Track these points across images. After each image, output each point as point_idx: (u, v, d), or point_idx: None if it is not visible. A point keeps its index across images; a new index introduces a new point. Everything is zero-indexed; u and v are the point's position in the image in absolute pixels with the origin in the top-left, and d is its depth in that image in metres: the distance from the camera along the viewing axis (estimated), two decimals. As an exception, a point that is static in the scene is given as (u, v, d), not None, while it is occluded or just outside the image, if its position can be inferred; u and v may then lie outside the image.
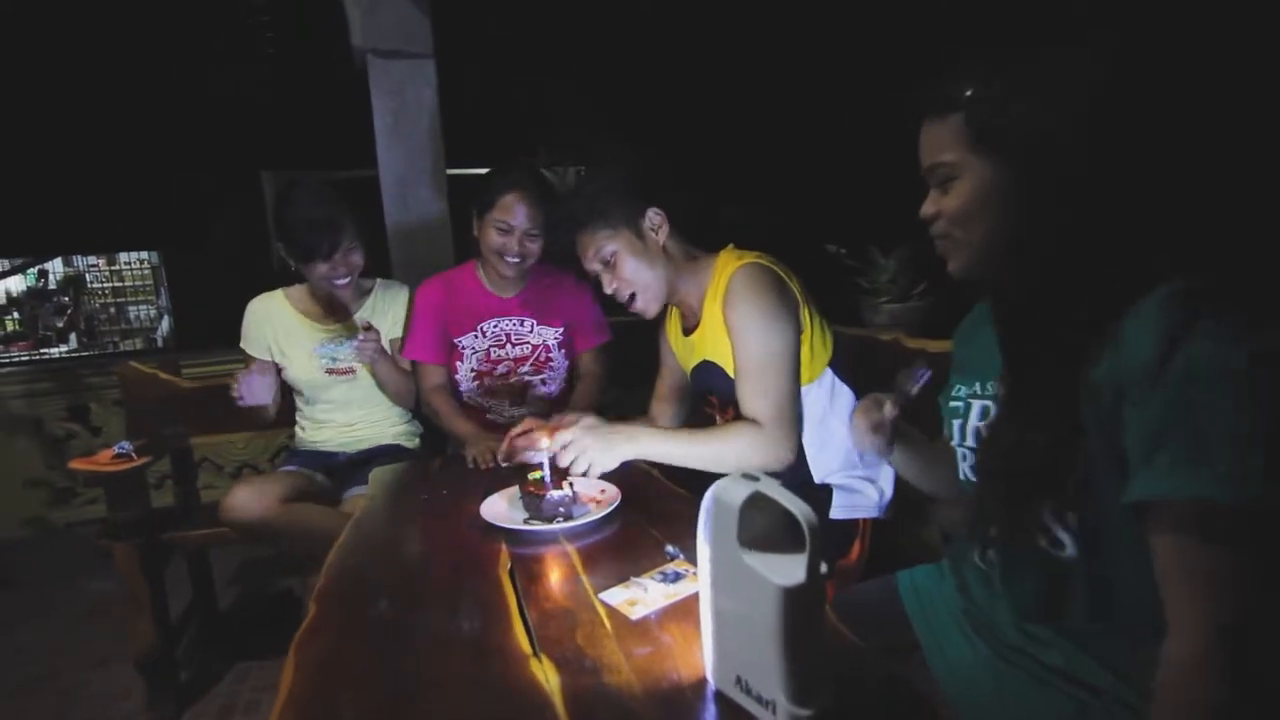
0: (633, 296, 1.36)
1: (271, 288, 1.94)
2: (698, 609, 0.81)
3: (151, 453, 1.81)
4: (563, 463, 1.18)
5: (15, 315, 7.49)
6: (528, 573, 0.97)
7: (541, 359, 1.91)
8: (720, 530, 0.62)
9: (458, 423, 1.77)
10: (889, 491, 1.41)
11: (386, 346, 1.86)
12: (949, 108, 0.78)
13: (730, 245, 1.38)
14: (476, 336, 1.88)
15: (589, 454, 1.20)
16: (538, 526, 1.09)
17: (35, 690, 1.95)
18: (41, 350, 7.18)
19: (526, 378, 1.91)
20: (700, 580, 0.67)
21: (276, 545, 1.61)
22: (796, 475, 1.29)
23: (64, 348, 7.39)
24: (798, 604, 0.57)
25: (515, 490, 1.24)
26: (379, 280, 1.97)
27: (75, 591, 2.55)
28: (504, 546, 1.06)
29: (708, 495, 0.64)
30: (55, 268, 7.51)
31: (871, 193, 2.20)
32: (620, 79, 4.04)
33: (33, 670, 2.05)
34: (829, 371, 1.37)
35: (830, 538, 1.33)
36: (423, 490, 1.35)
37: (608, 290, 1.38)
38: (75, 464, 1.68)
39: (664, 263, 1.35)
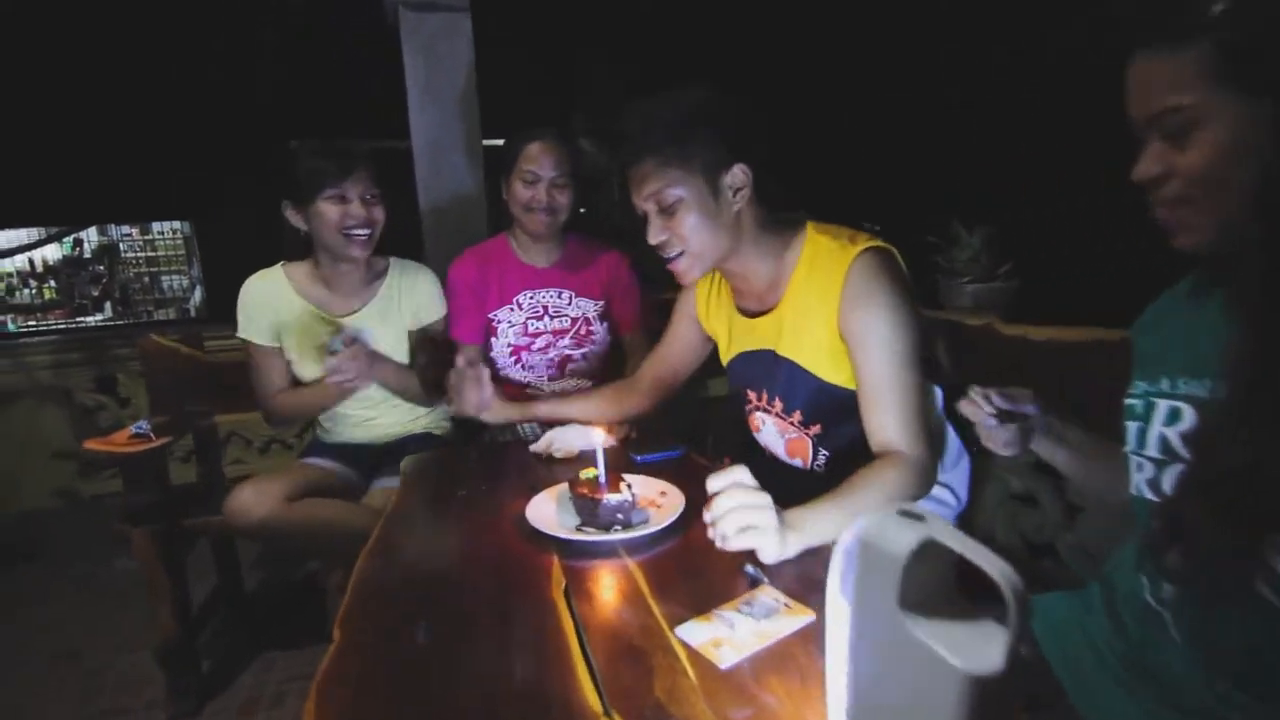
0: (678, 258, 1.13)
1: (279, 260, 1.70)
2: (801, 656, 0.67)
3: (172, 432, 1.71)
4: (723, 541, 0.85)
5: (52, 283, 7.56)
6: (585, 594, 0.83)
7: (582, 332, 1.79)
8: (872, 586, 0.46)
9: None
10: (964, 496, 1.24)
11: (395, 346, 1.65)
12: (1186, 34, 0.60)
13: (807, 219, 1.17)
14: (513, 309, 1.76)
15: (763, 541, 0.84)
16: (593, 537, 0.95)
17: (60, 670, 1.89)
18: (77, 319, 7.26)
19: (567, 351, 1.78)
20: (832, 643, 0.51)
21: (289, 546, 1.48)
22: None
23: (99, 316, 7.46)
24: (990, 698, 0.41)
25: (564, 488, 1.10)
26: (393, 259, 1.72)
27: (103, 568, 2.49)
28: (555, 558, 0.92)
29: (847, 536, 0.49)
30: (90, 237, 7.56)
31: (954, 162, 2.00)
32: (662, 48, 3.84)
33: (58, 649, 1.99)
34: None
35: None
36: (460, 484, 1.22)
37: (652, 239, 1.12)
38: (90, 444, 1.58)
39: (729, 231, 1.12)
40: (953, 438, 1.19)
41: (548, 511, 1.04)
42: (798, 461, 1.24)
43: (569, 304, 1.78)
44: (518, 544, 0.97)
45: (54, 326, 6.77)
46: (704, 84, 1.11)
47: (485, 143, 2.36)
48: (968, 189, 1.85)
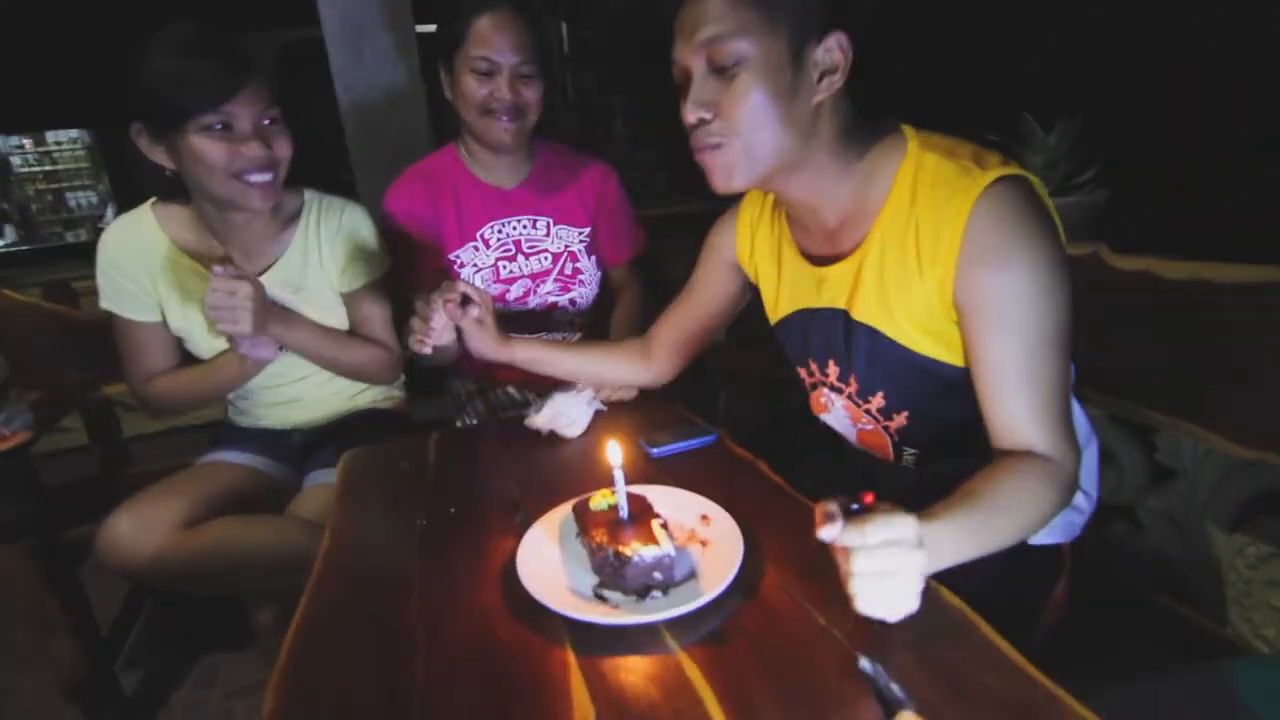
0: (717, 147, 0.78)
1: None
2: None
3: (42, 421, 1.32)
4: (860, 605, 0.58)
5: (-60, 205, 6.66)
6: (622, 713, 0.54)
7: (568, 271, 1.43)
8: None
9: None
10: (1096, 494, 0.97)
11: (321, 319, 1.24)
12: None
13: (902, 125, 0.82)
14: (476, 248, 1.37)
15: (909, 606, 0.58)
16: (624, 619, 0.65)
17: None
18: (-27, 244, 6.45)
19: (551, 298, 1.43)
20: None
21: (194, 587, 1.12)
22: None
23: (2, 241, 6.65)
24: None
25: (565, 516, 0.80)
26: (309, 195, 1.26)
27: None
28: (569, 651, 0.63)
29: None
30: (-26, 153, 6.60)
31: (1020, 37, 1.61)
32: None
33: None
34: None
35: (1028, 572, 0.90)
36: (417, 503, 0.90)
37: (690, 111, 0.77)
38: (-78, 446, 1.20)
39: (800, 130, 0.76)
40: (1080, 416, 0.91)
41: (548, 564, 0.73)
42: (876, 455, 0.95)
43: (547, 236, 1.40)
44: (509, 620, 0.67)
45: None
46: None
47: (420, 29, 1.88)
48: (1038, 72, 1.48)
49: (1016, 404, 0.73)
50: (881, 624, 0.59)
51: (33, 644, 1.68)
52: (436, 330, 0.98)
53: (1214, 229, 0.99)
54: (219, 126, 1.04)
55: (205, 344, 1.21)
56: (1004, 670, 0.56)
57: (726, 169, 0.79)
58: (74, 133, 6.55)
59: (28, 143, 6.69)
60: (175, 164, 1.08)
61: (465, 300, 1.00)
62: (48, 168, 6.90)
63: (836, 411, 0.95)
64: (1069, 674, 0.57)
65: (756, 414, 1.56)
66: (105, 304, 1.19)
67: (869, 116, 0.81)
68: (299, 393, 1.29)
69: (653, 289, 1.52)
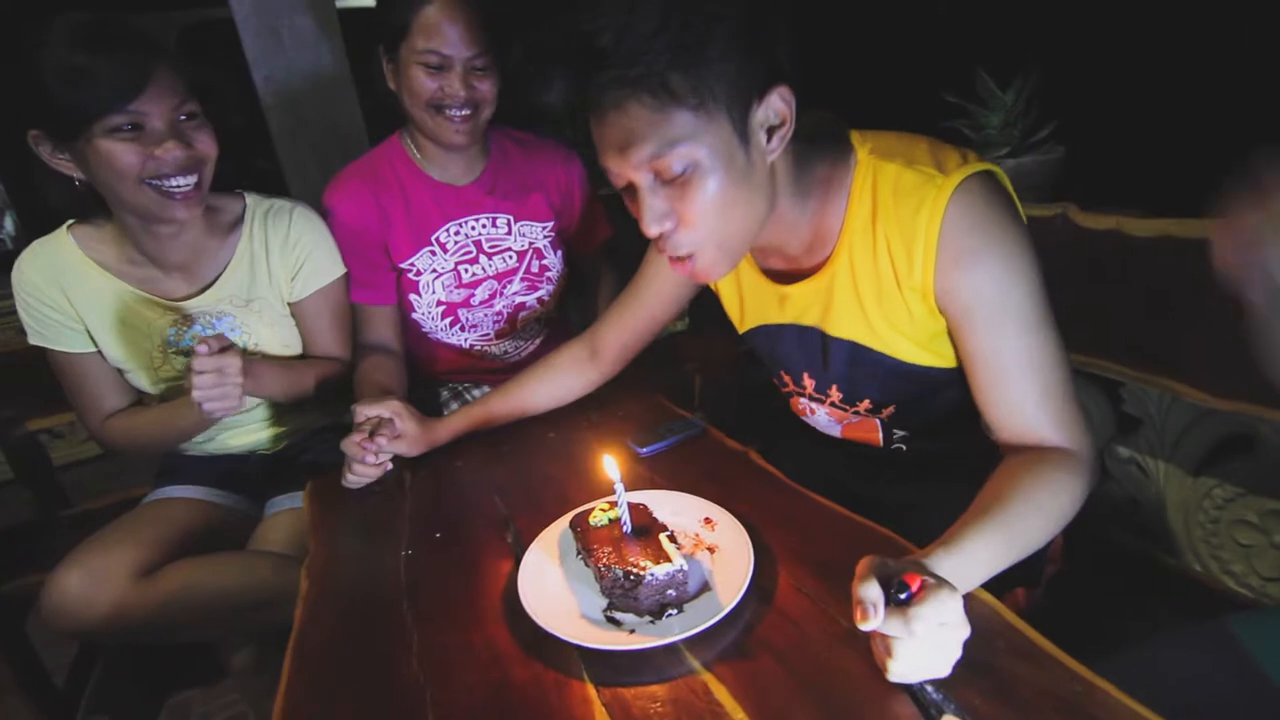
0: (690, 256, 0.72)
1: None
2: None
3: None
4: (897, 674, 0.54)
5: None
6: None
7: (534, 269, 1.34)
8: None
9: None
10: None
11: (272, 336, 1.15)
12: None
13: (844, 128, 0.78)
14: (434, 253, 1.26)
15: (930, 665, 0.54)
16: (641, 643, 0.61)
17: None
18: None
19: (519, 298, 1.34)
20: None
21: (159, 638, 1.04)
22: (975, 445, 0.84)
23: (-116, 259, 6.08)
24: None
25: (562, 530, 0.77)
26: (250, 198, 1.15)
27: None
28: (585, 677, 0.59)
29: None
30: None
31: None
32: None
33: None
34: None
35: None
36: (403, 537, 0.85)
37: (652, 227, 0.70)
38: None
39: (764, 194, 0.71)
40: None
41: (552, 589, 0.69)
42: (863, 443, 0.94)
43: (509, 234, 1.30)
44: (520, 656, 0.63)
45: None
46: None
47: (341, 4, 1.74)
48: (993, 30, 1.47)
49: (1021, 396, 0.71)
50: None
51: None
52: (375, 469, 0.95)
53: (1171, 183, 0.99)
54: (128, 127, 0.92)
55: (148, 377, 1.10)
56: (1041, 663, 0.55)
57: (707, 271, 0.74)
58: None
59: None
60: (84, 173, 0.96)
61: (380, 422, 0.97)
62: (-72, 174, 6.31)
63: (819, 417, 0.94)
64: (1074, 637, 0.56)
65: (731, 396, 1.54)
66: (35, 340, 1.07)
67: (816, 137, 0.76)
68: (250, 415, 1.19)
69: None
